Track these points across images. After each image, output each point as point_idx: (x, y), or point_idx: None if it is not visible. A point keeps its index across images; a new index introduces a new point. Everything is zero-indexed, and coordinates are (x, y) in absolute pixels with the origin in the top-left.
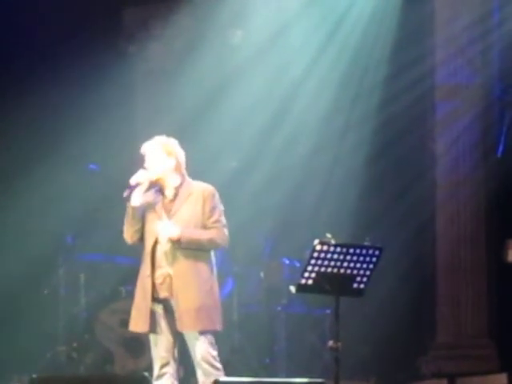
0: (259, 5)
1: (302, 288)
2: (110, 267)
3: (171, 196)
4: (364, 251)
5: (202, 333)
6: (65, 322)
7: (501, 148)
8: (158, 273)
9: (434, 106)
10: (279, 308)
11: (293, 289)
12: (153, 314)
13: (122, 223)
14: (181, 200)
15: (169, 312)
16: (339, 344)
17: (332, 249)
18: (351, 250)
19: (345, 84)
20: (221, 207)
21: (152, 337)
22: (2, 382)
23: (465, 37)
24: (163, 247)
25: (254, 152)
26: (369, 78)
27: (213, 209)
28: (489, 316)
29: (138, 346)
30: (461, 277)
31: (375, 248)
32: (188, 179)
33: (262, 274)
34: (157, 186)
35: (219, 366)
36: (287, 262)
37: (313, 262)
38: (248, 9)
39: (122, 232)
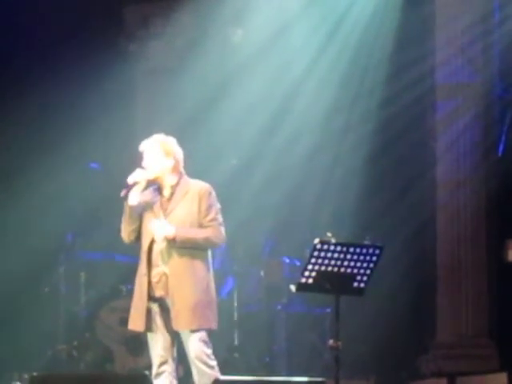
0: (260, 4)
1: (302, 287)
2: (110, 265)
3: (168, 195)
4: (364, 250)
5: (197, 331)
6: (65, 321)
7: (501, 147)
8: (155, 271)
9: (435, 106)
10: (279, 307)
11: (293, 288)
12: (150, 313)
13: (121, 222)
14: (177, 199)
15: (165, 311)
16: (339, 343)
17: (332, 248)
18: (351, 249)
19: (345, 83)
20: (217, 205)
21: (150, 335)
22: (3, 380)
23: (465, 36)
24: (159, 246)
25: (254, 151)
26: (369, 77)
27: (209, 207)
28: (489, 315)
29: (138, 344)
30: (461, 276)
31: (375, 247)
32: (185, 178)
33: (262, 273)
34: (155, 185)
35: (213, 363)
36: (287, 260)
37: (313, 261)
38: (249, 7)
39: (120, 231)
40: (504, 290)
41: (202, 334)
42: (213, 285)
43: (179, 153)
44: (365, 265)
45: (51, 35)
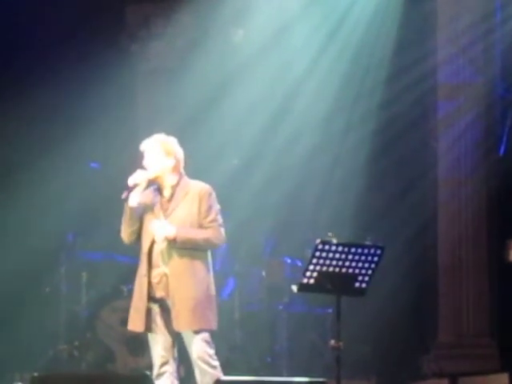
0: (261, 4)
1: (303, 287)
2: (111, 266)
3: (168, 195)
4: (366, 250)
5: (198, 332)
6: (66, 321)
7: (503, 147)
8: (155, 272)
9: (436, 106)
10: (281, 307)
11: (295, 288)
12: (150, 314)
13: (121, 222)
14: (177, 199)
15: (165, 311)
16: (340, 343)
17: (334, 248)
18: (353, 250)
19: (346, 83)
20: (217, 206)
21: (150, 336)
22: (4, 380)
23: (467, 36)
24: (159, 247)
25: (255, 151)
26: (370, 77)
27: (209, 208)
28: (490, 315)
29: (140, 344)
30: (462, 276)
31: (377, 247)
32: (185, 178)
33: (263, 273)
34: (155, 185)
35: (216, 364)
36: (288, 260)
37: (314, 261)
38: (249, 8)
39: (120, 232)
40: (505, 290)
41: (205, 335)
42: (213, 285)
43: (180, 153)
44: (366, 265)
45: (51, 35)
